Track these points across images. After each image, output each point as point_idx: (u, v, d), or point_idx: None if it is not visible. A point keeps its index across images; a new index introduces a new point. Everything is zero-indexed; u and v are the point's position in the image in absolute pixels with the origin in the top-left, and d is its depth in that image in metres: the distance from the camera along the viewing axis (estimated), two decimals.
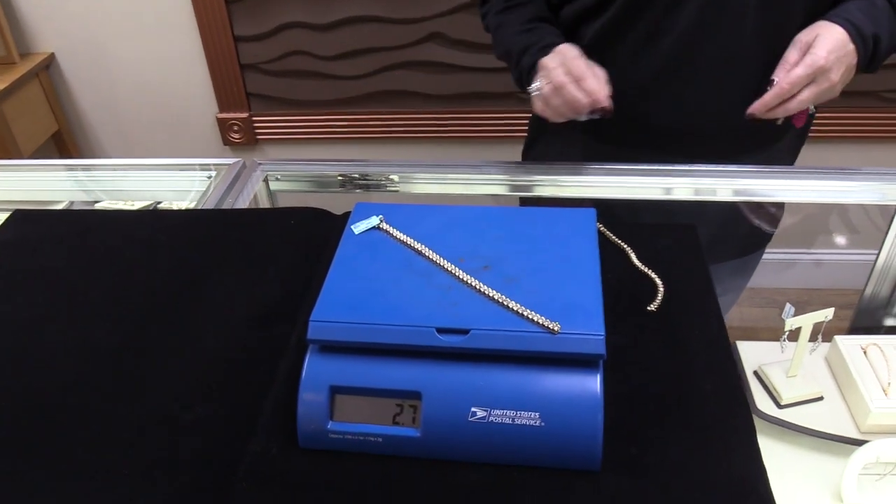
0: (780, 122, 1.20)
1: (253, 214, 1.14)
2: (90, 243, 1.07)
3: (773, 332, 1.11)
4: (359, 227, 0.87)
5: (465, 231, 0.86)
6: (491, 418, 0.73)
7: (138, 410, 0.82)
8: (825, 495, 1.06)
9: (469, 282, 0.78)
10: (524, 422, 0.73)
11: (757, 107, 1.15)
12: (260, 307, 0.94)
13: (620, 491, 0.72)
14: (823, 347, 1.25)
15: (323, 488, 0.74)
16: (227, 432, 0.79)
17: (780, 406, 1.11)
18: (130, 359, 0.88)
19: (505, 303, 0.75)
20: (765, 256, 1.57)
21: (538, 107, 1.21)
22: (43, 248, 1.07)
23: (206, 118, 2.60)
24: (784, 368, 1.20)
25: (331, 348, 0.76)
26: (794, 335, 1.15)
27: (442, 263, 0.81)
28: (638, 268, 0.97)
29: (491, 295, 0.76)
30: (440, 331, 0.73)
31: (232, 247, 1.05)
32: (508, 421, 0.73)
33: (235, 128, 2.58)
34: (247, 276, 0.99)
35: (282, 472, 0.75)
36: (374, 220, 0.88)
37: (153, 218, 1.12)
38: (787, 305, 1.12)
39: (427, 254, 0.82)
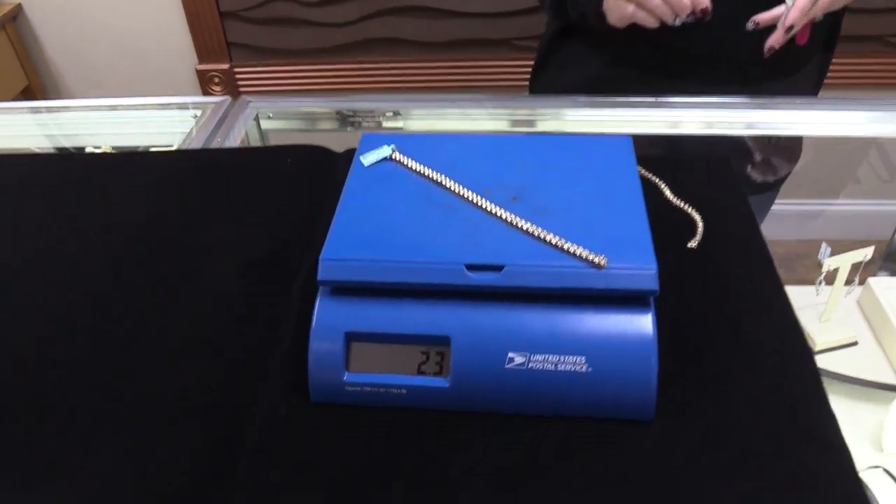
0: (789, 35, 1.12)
1: (246, 154, 1.04)
2: (66, 189, 0.97)
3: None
4: (368, 158, 0.77)
5: (488, 160, 0.77)
6: (530, 364, 0.64)
7: (123, 369, 0.72)
8: (864, 445, 1.02)
9: (498, 214, 0.69)
10: (568, 367, 0.64)
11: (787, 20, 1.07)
12: (258, 253, 0.86)
13: (676, 441, 0.65)
14: (853, 293, 1.19)
15: (340, 447, 0.65)
16: (228, 390, 0.71)
17: (813, 352, 1.04)
18: (114, 313, 0.79)
19: (541, 236, 0.66)
20: (776, 207, 1.48)
21: (627, 10, 1.11)
22: (13, 195, 0.97)
23: (184, 70, 2.48)
24: (817, 313, 1.14)
25: (344, 291, 0.68)
26: (829, 278, 1.09)
27: (466, 195, 0.72)
28: (673, 203, 0.88)
29: (525, 228, 0.67)
30: (470, 267, 0.64)
31: (224, 189, 0.96)
32: (550, 367, 0.64)
33: (216, 80, 2.46)
34: (242, 220, 0.90)
35: (293, 430, 0.67)
36: (385, 150, 0.78)
37: (134, 160, 1.02)
38: (824, 245, 1.05)
39: (448, 185, 0.73)
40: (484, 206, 0.71)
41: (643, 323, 0.65)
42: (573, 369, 0.65)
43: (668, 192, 0.89)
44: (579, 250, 0.65)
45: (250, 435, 0.66)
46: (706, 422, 0.66)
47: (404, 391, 0.67)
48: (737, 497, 0.60)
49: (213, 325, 0.77)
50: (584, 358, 0.64)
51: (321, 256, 0.67)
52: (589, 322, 0.65)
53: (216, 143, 1.08)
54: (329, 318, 0.67)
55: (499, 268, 0.65)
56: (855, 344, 1.16)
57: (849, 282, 1.12)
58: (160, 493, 0.63)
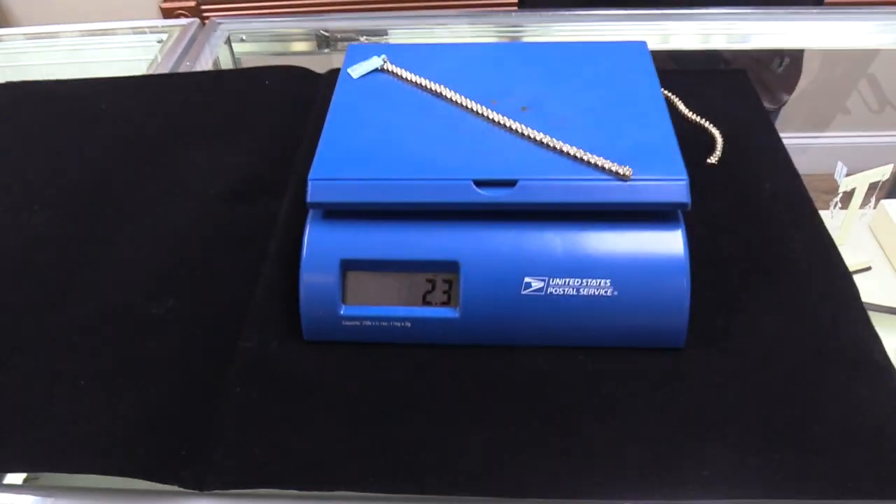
0: None
1: (220, 77, 0.96)
2: (25, 118, 0.88)
3: None
4: (357, 71, 0.70)
5: (491, 70, 0.69)
6: (549, 290, 0.58)
7: (92, 307, 0.65)
8: None
9: (508, 125, 0.62)
10: (591, 292, 0.58)
11: None
12: (238, 180, 0.78)
13: (711, 370, 0.59)
14: (866, 217, 1.14)
15: (337, 389, 0.59)
16: (210, 328, 0.64)
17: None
18: (80, 247, 0.72)
19: (557, 147, 0.59)
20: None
21: None
22: None
23: (147, 7, 2.36)
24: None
25: (337, 215, 0.60)
26: (843, 202, 1.02)
27: (469, 105, 0.64)
28: (688, 118, 0.81)
29: (538, 139, 0.60)
30: (479, 183, 0.57)
31: (198, 114, 0.88)
32: (571, 292, 0.58)
33: (183, 18, 2.33)
34: (219, 146, 0.82)
35: (284, 372, 0.60)
36: (375, 62, 0.70)
37: (99, 86, 0.93)
38: (840, 164, 0.98)
39: (449, 95, 0.65)
40: (491, 118, 0.63)
41: (673, 240, 0.58)
42: (597, 293, 0.58)
43: (681, 107, 0.82)
44: (600, 161, 0.58)
45: (235, 378, 0.59)
46: (743, 347, 0.60)
47: (409, 325, 0.60)
48: (781, 427, 0.55)
49: (192, 257, 0.69)
50: (608, 281, 0.58)
51: (310, 176, 0.59)
52: (613, 241, 0.58)
53: (185, 69, 0.98)
54: (321, 245, 0.60)
55: (511, 183, 0.57)
56: (869, 269, 1.10)
57: (863, 205, 1.06)
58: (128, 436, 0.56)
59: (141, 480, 0.53)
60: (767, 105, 1.26)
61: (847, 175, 0.99)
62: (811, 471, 0.52)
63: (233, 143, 0.82)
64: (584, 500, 0.51)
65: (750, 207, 0.71)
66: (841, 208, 1.04)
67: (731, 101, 0.84)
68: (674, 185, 0.57)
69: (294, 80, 0.92)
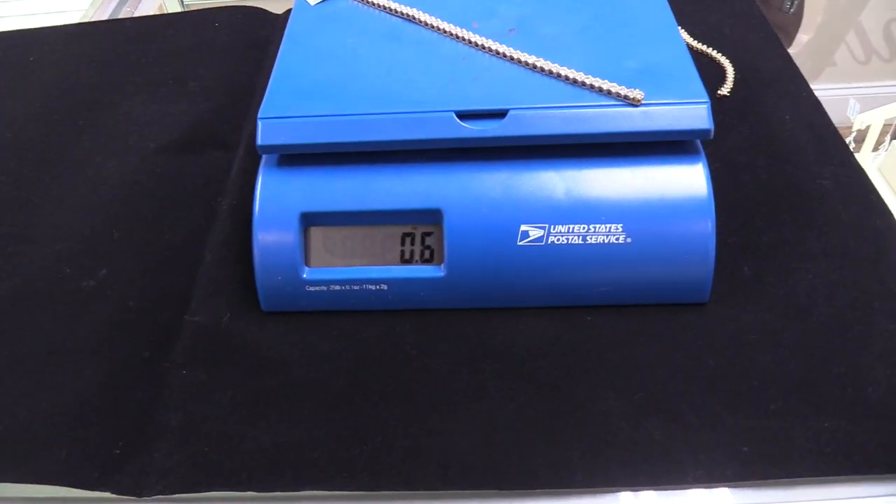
0: None
1: (164, 21, 0.85)
2: None
3: None
4: None
5: None
6: (550, 239, 0.49)
7: (11, 282, 0.56)
8: None
9: (494, 48, 0.52)
10: (600, 240, 0.49)
11: None
12: (184, 132, 0.69)
13: (741, 327, 0.50)
14: (877, 161, 1.06)
15: (302, 369, 0.50)
16: (150, 301, 0.55)
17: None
18: (30, 194, 0.63)
19: (553, 70, 0.50)
20: None
21: None
22: None
23: None
24: None
25: (296, 160, 0.52)
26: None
27: (447, 29, 0.55)
28: (693, 47, 0.72)
29: (530, 63, 0.51)
30: (463, 116, 0.49)
31: (140, 63, 0.79)
32: (577, 241, 0.49)
33: None
34: (163, 96, 0.73)
35: (238, 350, 0.51)
36: None
37: (28, 38, 0.83)
38: (852, 101, 0.89)
39: (422, 19, 0.56)
40: (473, 41, 0.53)
41: (694, 176, 0.49)
42: (607, 242, 0.49)
43: (685, 35, 0.73)
44: (605, 84, 0.48)
45: (180, 358, 0.50)
46: (775, 299, 0.52)
47: (385, 288, 0.51)
48: (828, 390, 0.46)
49: (129, 220, 0.59)
50: (620, 226, 0.49)
51: (259, 115, 0.50)
52: (624, 178, 0.50)
53: (126, 14, 0.88)
54: (277, 197, 0.51)
55: (500, 114, 0.49)
56: None
57: (876, 147, 0.98)
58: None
59: (65, 488, 0.44)
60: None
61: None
62: (868, 442, 0.43)
63: (179, 92, 0.72)
64: (601, 491, 0.43)
65: (771, 142, 0.63)
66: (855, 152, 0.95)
67: (738, 28, 0.76)
68: (693, 110, 0.48)
69: (247, 21, 0.83)
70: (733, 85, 0.68)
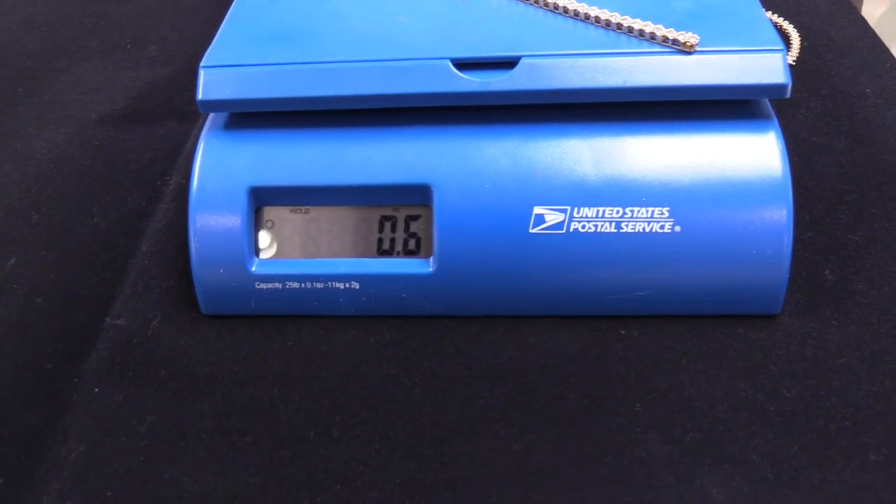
0: None
1: None
2: None
3: None
4: None
5: None
6: (573, 225, 0.38)
7: None
8: None
9: None
10: (640, 228, 0.38)
11: None
12: (132, 100, 0.60)
13: (823, 347, 0.39)
14: None
15: (247, 390, 0.39)
16: (65, 298, 0.44)
17: None
18: None
19: (579, 10, 0.38)
20: None
21: None
22: None
23: None
24: None
25: (247, 121, 0.41)
26: None
27: None
28: None
29: (550, 2, 0.39)
30: (461, 65, 0.38)
31: (94, 25, 0.70)
32: (608, 228, 0.38)
33: None
34: (113, 61, 0.64)
35: (167, 363, 0.40)
36: None
37: None
38: None
39: None
40: None
41: (765, 147, 0.38)
42: (649, 230, 0.38)
43: None
44: (649, 27, 0.37)
45: (93, 373, 0.40)
46: (865, 312, 0.41)
47: (356, 287, 0.40)
48: None
49: (53, 201, 0.50)
50: (666, 210, 0.38)
51: (202, 63, 0.40)
52: (672, 149, 0.39)
53: None
54: (221, 167, 0.41)
55: (509, 63, 0.38)
56: None
57: None
58: None
59: None
60: None
61: None
62: None
63: (136, 56, 0.65)
64: None
65: (851, 119, 0.52)
66: None
67: None
68: (763, 59, 0.37)
69: None
70: (800, 53, 0.57)
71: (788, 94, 0.38)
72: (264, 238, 0.41)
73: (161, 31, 0.67)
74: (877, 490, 0.33)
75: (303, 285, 0.41)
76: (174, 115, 0.57)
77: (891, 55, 0.58)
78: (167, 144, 0.54)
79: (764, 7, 0.59)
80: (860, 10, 1.02)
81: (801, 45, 0.58)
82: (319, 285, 0.41)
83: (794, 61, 0.57)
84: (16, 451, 0.37)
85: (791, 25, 0.60)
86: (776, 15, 0.61)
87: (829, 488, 0.34)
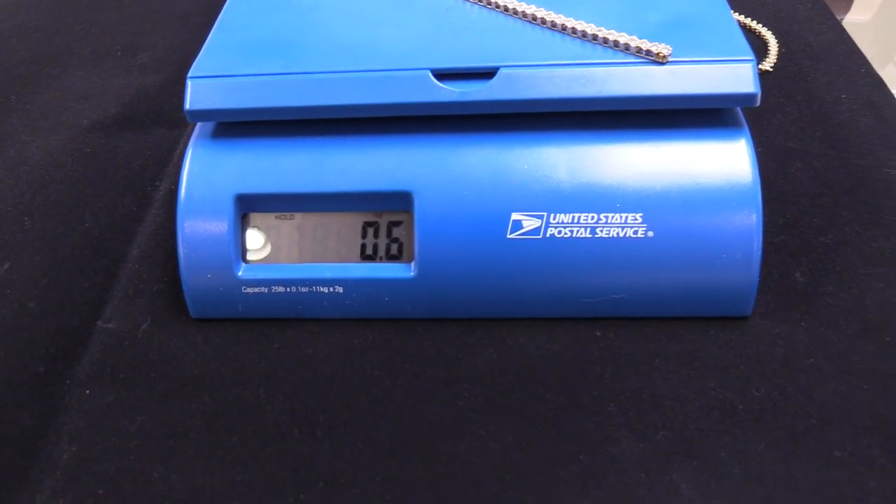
0: None
1: None
2: None
3: None
4: None
5: None
6: (549, 231, 0.39)
7: None
8: None
9: None
10: (614, 233, 0.40)
11: None
12: (124, 107, 0.60)
13: (793, 348, 0.40)
14: None
15: (234, 391, 0.40)
16: (57, 302, 0.45)
17: None
18: None
19: (556, 22, 0.39)
20: None
21: None
22: None
23: None
24: None
25: (234, 130, 0.42)
26: None
27: None
28: None
29: (528, 13, 0.40)
30: (441, 75, 0.39)
31: (86, 32, 0.71)
32: (584, 234, 0.39)
33: None
34: (106, 68, 0.65)
35: (157, 366, 0.41)
36: None
37: None
38: None
39: None
40: None
41: (736, 154, 0.39)
42: (623, 235, 0.39)
43: None
44: (623, 38, 0.38)
45: (85, 375, 0.41)
46: (836, 314, 0.42)
47: (340, 291, 0.41)
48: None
49: (46, 206, 0.51)
50: (639, 216, 0.39)
51: (190, 73, 0.41)
52: (645, 156, 0.40)
53: None
54: (209, 175, 0.41)
55: (488, 73, 0.39)
56: None
57: None
58: None
59: None
60: None
61: None
62: None
63: (127, 64, 0.65)
64: None
65: (825, 124, 0.53)
66: None
67: None
68: (734, 69, 0.38)
69: None
70: (777, 59, 0.58)
71: (758, 103, 0.39)
72: (251, 243, 0.42)
73: (152, 39, 0.67)
74: (840, 486, 0.34)
75: (288, 289, 0.42)
76: (164, 123, 0.58)
77: (866, 61, 0.58)
78: (157, 151, 0.55)
79: (743, 13, 0.61)
80: (847, 15, 1.03)
81: (779, 51, 0.59)
82: (304, 289, 0.42)
83: (771, 67, 0.58)
84: (10, 451, 0.38)
85: (770, 32, 0.61)
86: (755, 21, 0.62)
87: (794, 484, 0.34)
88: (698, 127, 0.40)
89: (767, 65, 0.58)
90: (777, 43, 0.60)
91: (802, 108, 0.55)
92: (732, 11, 0.58)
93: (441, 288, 0.41)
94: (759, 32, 0.61)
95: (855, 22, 1.01)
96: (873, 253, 0.44)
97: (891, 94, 0.55)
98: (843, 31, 0.62)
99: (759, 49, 0.60)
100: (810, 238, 0.45)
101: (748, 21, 0.62)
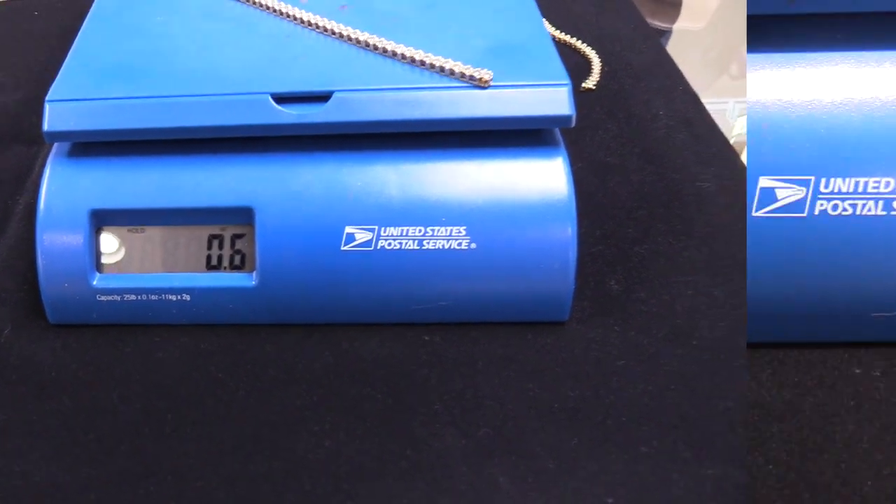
0: None
1: None
2: None
3: None
4: None
5: None
6: (380, 243, 0.42)
7: None
8: None
9: (321, 25, 0.45)
10: (440, 245, 0.43)
11: None
12: None
13: (607, 351, 0.43)
14: None
15: (88, 392, 0.42)
16: None
17: None
18: None
19: (388, 49, 0.43)
20: None
21: None
22: None
23: None
24: None
25: (89, 149, 0.44)
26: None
27: (271, 5, 0.48)
28: (554, 37, 0.66)
29: (362, 40, 0.44)
30: (280, 99, 0.42)
31: None
32: (412, 246, 0.43)
33: None
34: None
35: (16, 367, 0.44)
36: None
37: None
38: (731, 102, 0.85)
39: None
40: (300, 18, 0.47)
41: (552, 171, 0.43)
42: (448, 247, 0.43)
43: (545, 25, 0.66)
44: (448, 63, 0.42)
45: None
46: (647, 319, 0.45)
47: (187, 298, 0.44)
48: (712, 429, 0.40)
49: None
50: (463, 229, 0.42)
51: (48, 97, 0.43)
52: (468, 173, 0.43)
53: None
54: (65, 191, 0.44)
55: (324, 97, 0.42)
56: None
57: None
58: None
59: None
60: (659, 24, 1.10)
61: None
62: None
63: None
64: None
65: (643, 140, 0.57)
66: None
67: (606, 17, 0.70)
68: (550, 93, 0.42)
69: (71, 8, 0.74)
70: (600, 78, 0.62)
71: (573, 124, 0.42)
72: (104, 255, 0.44)
73: (11, 59, 0.68)
74: (646, 478, 0.37)
75: (139, 297, 0.44)
76: (23, 140, 0.59)
77: (684, 80, 0.63)
78: (16, 167, 0.57)
79: (569, 33, 0.65)
80: (678, 22, 1.08)
81: (602, 70, 0.63)
82: (154, 297, 0.44)
83: (594, 86, 0.62)
84: None
85: (594, 51, 0.64)
86: (580, 41, 0.65)
87: (603, 477, 0.37)
88: (518, 146, 0.43)
89: (590, 83, 0.62)
90: (601, 62, 0.64)
91: (622, 125, 0.58)
92: (559, 31, 0.63)
93: (281, 296, 0.43)
94: (584, 52, 0.65)
95: (688, 29, 1.05)
96: (685, 262, 0.48)
97: (706, 111, 0.59)
98: (664, 51, 0.66)
99: (584, 68, 0.63)
100: (626, 248, 0.49)
101: (573, 41, 0.65)
